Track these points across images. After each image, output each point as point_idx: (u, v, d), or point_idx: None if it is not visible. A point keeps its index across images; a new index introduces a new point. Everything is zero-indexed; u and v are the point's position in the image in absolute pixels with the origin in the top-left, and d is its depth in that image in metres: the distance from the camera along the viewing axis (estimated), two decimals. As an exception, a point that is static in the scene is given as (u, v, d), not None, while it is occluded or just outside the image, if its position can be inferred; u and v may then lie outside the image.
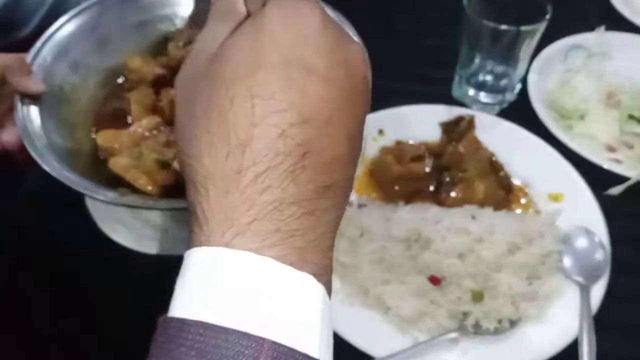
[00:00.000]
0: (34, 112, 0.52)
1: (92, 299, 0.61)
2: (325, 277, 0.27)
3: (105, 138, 0.53)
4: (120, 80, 0.62)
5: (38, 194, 0.69)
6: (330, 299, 0.28)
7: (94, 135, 0.56)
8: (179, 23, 0.66)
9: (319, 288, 0.26)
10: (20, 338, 0.59)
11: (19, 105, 0.52)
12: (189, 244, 0.28)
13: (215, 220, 0.26)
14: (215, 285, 0.25)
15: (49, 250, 0.64)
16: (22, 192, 0.70)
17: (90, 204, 0.65)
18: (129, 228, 0.63)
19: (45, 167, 0.47)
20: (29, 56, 0.55)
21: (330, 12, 0.60)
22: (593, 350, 0.53)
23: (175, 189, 0.50)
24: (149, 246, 0.62)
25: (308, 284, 0.26)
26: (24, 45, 0.59)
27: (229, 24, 0.31)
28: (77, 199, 0.65)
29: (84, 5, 0.62)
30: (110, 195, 0.47)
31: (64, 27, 0.59)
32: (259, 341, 0.24)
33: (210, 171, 0.27)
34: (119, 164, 0.49)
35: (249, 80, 0.27)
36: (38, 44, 0.57)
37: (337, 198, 0.29)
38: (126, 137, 0.53)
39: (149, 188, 0.49)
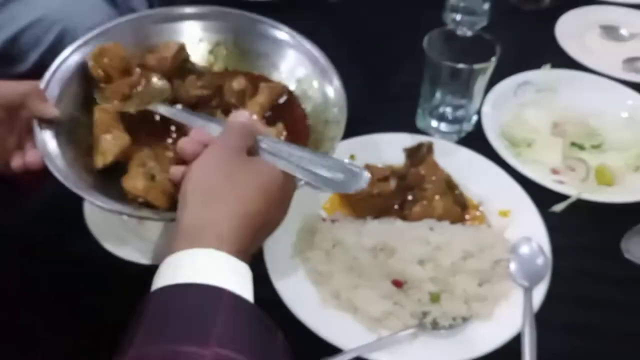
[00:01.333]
0: (50, 134, 0.60)
1: (91, 305, 0.68)
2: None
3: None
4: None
5: (43, 212, 0.76)
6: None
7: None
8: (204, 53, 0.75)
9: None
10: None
11: (37, 129, 0.59)
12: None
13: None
14: (182, 265, 0.43)
15: (51, 262, 0.71)
16: (29, 211, 0.77)
17: (89, 220, 0.72)
18: (126, 241, 0.70)
19: (68, 184, 0.55)
20: (42, 83, 0.63)
21: (317, 52, 0.71)
22: (534, 344, 0.61)
23: None
24: (144, 258, 0.68)
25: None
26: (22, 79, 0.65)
27: (238, 136, 0.52)
28: (79, 215, 0.72)
29: (89, 35, 0.69)
30: (128, 209, 0.56)
31: (72, 57, 0.66)
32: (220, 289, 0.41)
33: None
34: (137, 186, 0.57)
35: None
36: (48, 74, 0.64)
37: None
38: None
39: (166, 204, 0.57)
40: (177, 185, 0.51)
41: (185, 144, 0.51)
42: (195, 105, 0.68)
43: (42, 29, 1.09)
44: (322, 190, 0.51)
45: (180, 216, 0.47)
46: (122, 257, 0.68)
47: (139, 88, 0.67)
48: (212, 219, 0.45)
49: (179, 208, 0.48)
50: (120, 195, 0.58)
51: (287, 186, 0.51)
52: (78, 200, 0.72)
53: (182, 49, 0.71)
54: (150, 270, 0.66)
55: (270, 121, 0.69)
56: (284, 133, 0.67)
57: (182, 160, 0.51)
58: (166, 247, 0.68)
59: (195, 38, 0.74)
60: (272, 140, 0.53)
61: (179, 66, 0.71)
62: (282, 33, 0.74)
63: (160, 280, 0.43)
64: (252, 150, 0.52)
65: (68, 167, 0.58)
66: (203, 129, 0.54)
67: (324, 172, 0.50)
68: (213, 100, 0.70)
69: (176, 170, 0.51)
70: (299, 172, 0.51)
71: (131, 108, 0.64)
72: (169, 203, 0.57)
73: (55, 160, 0.58)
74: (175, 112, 0.63)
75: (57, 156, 0.58)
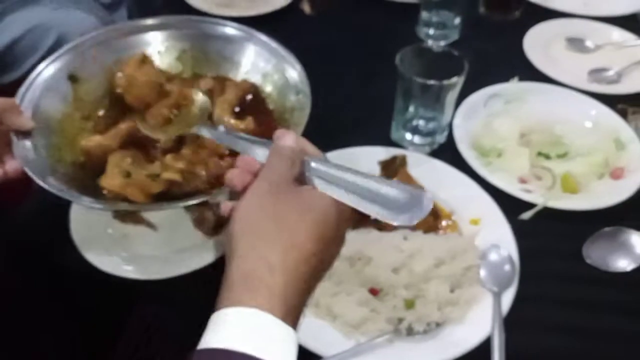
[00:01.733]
0: (28, 144, 0.64)
1: (73, 318, 0.70)
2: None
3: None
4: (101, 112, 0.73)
5: (27, 225, 0.78)
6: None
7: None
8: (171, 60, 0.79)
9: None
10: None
11: (15, 140, 0.63)
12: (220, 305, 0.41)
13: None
14: (239, 329, 0.39)
15: (34, 275, 0.73)
16: (13, 224, 0.79)
17: (74, 233, 0.74)
18: (111, 255, 0.72)
19: (48, 188, 0.59)
20: (17, 98, 0.67)
21: (275, 44, 0.76)
22: (502, 345, 0.65)
23: (164, 196, 0.61)
24: (127, 272, 0.70)
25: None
26: (16, 86, 0.69)
27: (285, 165, 0.46)
28: (64, 229, 0.74)
29: (60, 51, 0.74)
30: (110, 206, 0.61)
31: (45, 71, 0.71)
32: None
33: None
34: (114, 184, 0.60)
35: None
36: (23, 88, 0.68)
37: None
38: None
39: (144, 199, 0.60)
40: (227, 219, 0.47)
41: (233, 176, 0.47)
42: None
43: (38, 35, 1.12)
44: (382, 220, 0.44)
45: (229, 262, 0.43)
46: (107, 270, 0.70)
47: (178, 110, 0.69)
48: (261, 270, 0.41)
49: (226, 252, 0.44)
50: (100, 197, 0.61)
51: (342, 217, 0.46)
52: (63, 214, 0.75)
53: (145, 59, 0.75)
54: (134, 284, 0.69)
55: (239, 116, 0.72)
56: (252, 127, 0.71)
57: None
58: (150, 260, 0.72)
59: (161, 47, 0.79)
60: (323, 163, 0.48)
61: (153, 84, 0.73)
62: (240, 32, 0.79)
63: (207, 337, 0.40)
64: (301, 177, 0.47)
65: (48, 174, 0.61)
66: (249, 156, 0.49)
67: (383, 199, 0.44)
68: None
69: (225, 207, 0.47)
70: (355, 200, 0.45)
71: (174, 133, 0.66)
72: (147, 198, 0.60)
73: (35, 167, 0.61)
74: (219, 135, 0.60)
75: (36, 164, 0.62)
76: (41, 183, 0.59)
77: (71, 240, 0.72)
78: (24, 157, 0.62)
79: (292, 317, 0.41)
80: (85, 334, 0.69)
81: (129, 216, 0.77)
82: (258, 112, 0.74)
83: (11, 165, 0.62)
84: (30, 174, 0.60)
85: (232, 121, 0.71)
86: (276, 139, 0.48)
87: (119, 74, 0.73)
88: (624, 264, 0.72)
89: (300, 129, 0.67)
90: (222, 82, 0.75)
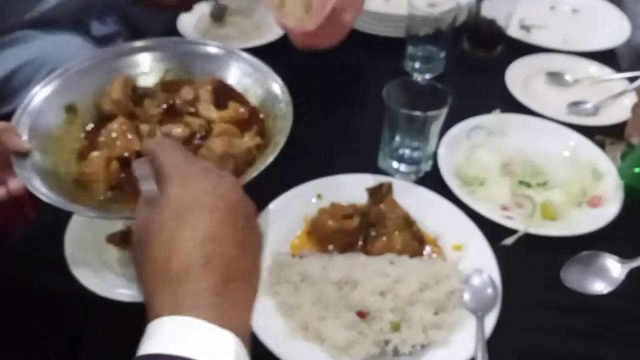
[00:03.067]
0: (27, 164, 0.68)
1: (68, 342, 0.71)
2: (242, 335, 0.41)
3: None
4: (89, 127, 0.80)
5: (22, 250, 0.80)
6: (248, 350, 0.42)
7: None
8: (155, 80, 0.86)
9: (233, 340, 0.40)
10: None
11: (15, 161, 0.67)
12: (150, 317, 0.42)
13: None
14: (170, 335, 0.40)
15: (29, 300, 0.74)
16: (8, 249, 0.80)
17: (69, 258, 0.75)
18: (105, 279, 0.74)
19: (50, 202, 0.64)
20: (13, 121, 0.72)
21: (257, 61, 0.83)
22: (485, 366, 0.67)
23: None
24: (121, 295, 0.72)
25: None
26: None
27: (143, 202, 0.48)
28: (59, 254, 0.76)
29: (53, 75, 0.80)
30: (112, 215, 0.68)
31: (38, 94, 0.77)
32: None
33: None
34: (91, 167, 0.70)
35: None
36: (19, 111, 0.73)
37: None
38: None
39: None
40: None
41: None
42: (162, 122, 0.80)
43: (33, 69, 1.16)
44: None
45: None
46: (101, 294, 0.71)
47: None
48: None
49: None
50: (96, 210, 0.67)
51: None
52: (58, 239, 0.76)
53: (126, 81, 0.82)
54: (128, 307, 0.71)
55: (221, 107, 0.82)
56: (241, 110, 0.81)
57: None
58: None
59: (145, 69, 0.85)
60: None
61: (132, 96, 0.82)
62: (221, 50, 0.86)
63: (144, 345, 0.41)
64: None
65: (49, 190, 0.66)
66: None
67: None
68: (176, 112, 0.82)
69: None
70: None
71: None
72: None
73: (36, 185, 0.65)
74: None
75: (37, 182, 0.66)
76: (43, 198, 0.64)
77: (66, 265, 0.74)
78: (25, 176, 0.66)
79: (222, 316, 0.41)
80: (78, 356, 0.71)
81: (123, 240, 0.79)
82: (236, 100, 0.83)
83: (13, 184, 0.67)
84: (32, 190, 0.64)
85: (217, 114, 0.80)
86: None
87: (104, 97, 0.80)
88: (600, 287, 0.75)
89: (285, 134, 0.73)
90: (196, 89, 0.84)
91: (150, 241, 0.44)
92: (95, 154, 0.73)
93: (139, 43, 0.87)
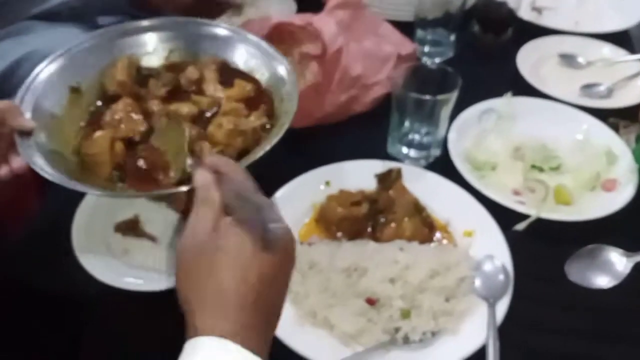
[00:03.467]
0: (31, 143, 0.67)
1: (78, 331, 0.71)
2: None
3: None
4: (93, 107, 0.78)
5: (29, 241, 0.80)
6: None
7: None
8: (159, 60, 0.84)
9: None
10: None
11: (18, 140, 0.66)
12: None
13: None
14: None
15: (38, 290, 0.74)
16: (15, 241, 0.80)
17: (77, 247, 0.75)
18: (113, 268, 0.74)
19: (54, 180, 0.62)
20: (16, 100, 0.71)
21: (263, 43, 0.81)
22: (497, 354, 0.66)
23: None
24: (129, 284, 0.71)
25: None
26: None
27: (209, 211, 0.48)
28: (66, 243, 0.76)
29: (57, 53, 0.79)
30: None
31: (42, 72, 0.76)
32: None
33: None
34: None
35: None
36: (21, 90, 0.72)
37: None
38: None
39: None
40: None
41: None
42: (168, 100, 0.78)
43: (33, 63, 1.15)
44: None
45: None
46: (108, 282, 0.71)
47: None
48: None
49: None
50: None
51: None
52: (64, 229, 0.76)
53: (130, 62, 0.80)
54: (137, 296, 0.71)
55: (226, 85, 0.80)
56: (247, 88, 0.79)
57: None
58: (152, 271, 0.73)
59: (149, 49, 0.84)
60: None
61: (137, 77, 0.80)
62: (228, 31, 0.84)
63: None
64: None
65: (53, 169, 0.65)
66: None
67: None
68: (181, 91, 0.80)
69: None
70: None
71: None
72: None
73: (40, 164, 0.64)
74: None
75: (41, 161, 0.65)
76: (48, 177, 0.63)
77: (73, 254, 0.74)
78: (29, 155, 0.65)
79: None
80: (85, 345, 0.71)
81: (130, 229, 0.78)
82: (241, 78, 0.81)
83: (16, 162, 0.66)
84: (36, 169, 0.63)
85: (223, 93, 0.79)
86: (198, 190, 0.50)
87: (109, 79, 0.78)
88: (604, 282, 0.74)
89: (291, 115, 0.71)
90: (200, 69, 0.82)
91: (217, 261, 0.46)
92: (99, 134, 0.72)
93: (143, 23, 0.85)
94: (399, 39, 1.07)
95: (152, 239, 0.78)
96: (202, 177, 0.51)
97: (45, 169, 0.64)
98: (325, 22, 0.93)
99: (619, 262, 0.75)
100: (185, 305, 0.46)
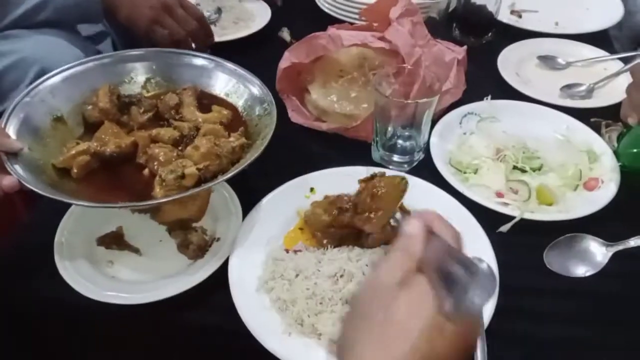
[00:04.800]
0: (19, 162, 0.70)
1: (62, 347, 0.71)
2: None
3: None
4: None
5: (13, 256, 0.79)
6: None
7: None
8: (137, 88, 0.87)
9: None
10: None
11: (6, 159, 0.68)
12: None
13: None
14: None
15: (21, 305, 0.74)
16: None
17: (59, 263, 0.74)
18: (97, 283, 0.73)
19: (47, 195, 0.65)
20: (2, 122, 0.73)
21: (235, 66, 0.86)
22: (485, 355, 0.65)
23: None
24: (111, 297, 0.70)
25: None
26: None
27: (406, 262, 0.47)
28: (49, 258, 0.75)
29: (41, 79, 0.81)
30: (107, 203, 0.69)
31: (26, 97, 0.78)
32: None
33: None
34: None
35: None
36: (6, 114, 0.75)
37: None
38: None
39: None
40: None
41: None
42: (147, 127, 0.81)
43: (21, 70, 1.15)
44: None
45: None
46: (91, 297, 0.70)
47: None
48: None
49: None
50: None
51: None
52: (47, 241, 0.76)
53: (112, 89, 0.83)
54: (120, 310, 0.70)
55: (204, 111, 0.84)
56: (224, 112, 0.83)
57: None
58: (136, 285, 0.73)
59: (127, 78, 0.88)
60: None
61: (118, 104, 0.83)
62: (202, 60, 0.89)
63: None
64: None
65: (42, 185, 0.68)
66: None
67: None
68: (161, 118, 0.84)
69: None
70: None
71: None
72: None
73: (28, 180, 0.67)
74: None
75: (29, 177, 0.68)
76: (40, 192, 0.65)
77: (55, 268, 0.73)
78: (18, 173, 0.67)
79: None
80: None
81: (114, 242, 0.78)
82: (218, 103, 0.85)
83: (7, 180, 0.67)
84: (27, 187, 0.66)
85: (202, 116, 0.82)
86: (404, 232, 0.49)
87: (89, 107, 0.81)
88: (582, 271, 0.75)
89: (271, 128, 0.75)
90: (179, 95, 0.86)
91: (393, 307, 0.45)
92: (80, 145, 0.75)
93: (122, 53, 0.89)
94: (448, 44, 1.08)
95: (135, 251, 0.77)
96: (412, 227, 0.49)
97: (38, 186, 0.66)
98: (400, 35, 0.93)
99: (598, 251, 0.76)
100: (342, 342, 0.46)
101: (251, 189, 0.81)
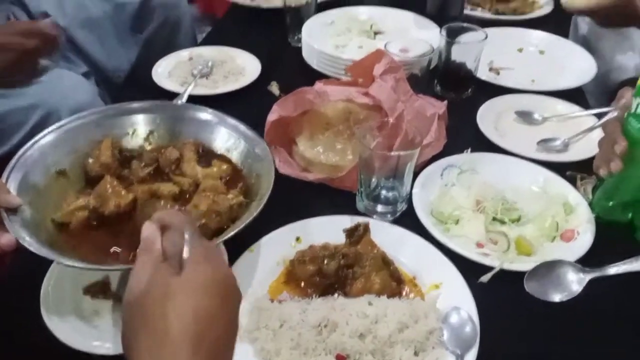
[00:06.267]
0: (18, 218, 0.69)
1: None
2: None
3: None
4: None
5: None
6: None
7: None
8: (140, 141, 0.88)
9: None
10: None
11: (5, 216, 0.68)
12: None
13: None
14: None
15: (6, 354, 0.73)
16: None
17: (45, 312, 0.74)
18: (81, 333, 0.73)
19: (44, 256, 0.66)
20: (3, 177, 0.73)
21: (238, 123, 0.88)
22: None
23: None
24: (97, 347, 0.70)
25: None
26: (3, 161, 0.76)
27: (148, 260, 0.52)
28: (35, 307, 0.75)
29: (41, 134, 0.82)
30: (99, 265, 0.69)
31: (27, 152, 0.79)
32: None
33: None
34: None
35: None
36: (8, 168, 0.75)
37: None
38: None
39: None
40: None
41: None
42: (147, 181, 0.83)
43: (24, 113, 1.16)
44: None
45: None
46: (78, 348, 0.70)
47: None
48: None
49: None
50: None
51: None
52: (34, 293, 0.75)
53: (114, 143, 0.85)
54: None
55: (205, 165, 0.86)
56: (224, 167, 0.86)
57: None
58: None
59: (130, 130, 0.89)
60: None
61: (119, 158, 0.85)
62: (207, 114, 0.90)
63: None
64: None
65: (39, 244, 0.68)
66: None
67: None
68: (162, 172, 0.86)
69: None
70: None
71: None
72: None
73: (26, 238, 0.67)
74: None
75: (27, 236, 0.67)
76: (36, 252, 0.65)
77: (41, 317, 0.73)
78: (17, 230, 0.67)
79: None
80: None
81: (100, 292, 0.78)
82: (218, 159, 0.87)
83: (5, 239, 0.67)
84: (25, 245, 0.66)
85: (202, 171, 0.84)
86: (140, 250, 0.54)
87: (91, 160, 0.83)
88: (558, 297, 0.77)
89: (269, 190, 0.77)
90: (180, 149, 0.88)
91: (152, 309, 0.48)
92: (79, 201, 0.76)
93: (126, 105, 0.90)
94: (430, 99, 1.12)
95: (121, 300, 0.77)
96: (146, 230, 0.54)
97: (34, 245, 0.66)
98: (383, 91, 0.98)
99: (574, 278, 0.78)
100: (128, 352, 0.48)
101: (237, 238, 0.82)
